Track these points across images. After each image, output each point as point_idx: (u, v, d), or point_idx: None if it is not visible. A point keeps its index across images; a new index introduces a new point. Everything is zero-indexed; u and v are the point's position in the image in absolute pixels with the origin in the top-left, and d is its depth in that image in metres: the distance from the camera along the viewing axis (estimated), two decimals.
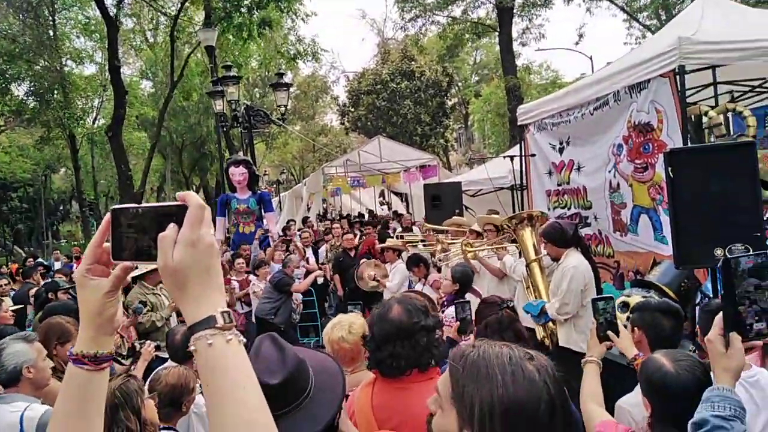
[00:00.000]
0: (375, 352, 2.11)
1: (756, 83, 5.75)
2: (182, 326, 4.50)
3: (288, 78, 20.76)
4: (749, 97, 6.18)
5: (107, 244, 0.95)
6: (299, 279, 8.35)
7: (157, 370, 2.95)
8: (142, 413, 2.37)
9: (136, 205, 0.93)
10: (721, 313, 1.37)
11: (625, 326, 2.77)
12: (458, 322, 3.59)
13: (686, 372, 1.87)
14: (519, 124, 7.69)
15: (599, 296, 2.71)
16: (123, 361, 4.16)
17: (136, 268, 0.99)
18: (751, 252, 1.38)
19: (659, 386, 1.91)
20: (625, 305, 3.97)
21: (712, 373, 1.46)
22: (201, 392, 2.89)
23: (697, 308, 4.16)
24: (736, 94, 5.97)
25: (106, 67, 18.82)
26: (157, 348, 4.08)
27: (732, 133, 5.78)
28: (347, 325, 2.68)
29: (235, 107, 11.49)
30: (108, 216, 0.94)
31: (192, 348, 0.86)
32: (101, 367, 0.96)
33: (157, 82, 26.68)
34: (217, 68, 12.91)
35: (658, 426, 1.90)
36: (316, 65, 32.82)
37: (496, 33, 21.73)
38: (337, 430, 1.82)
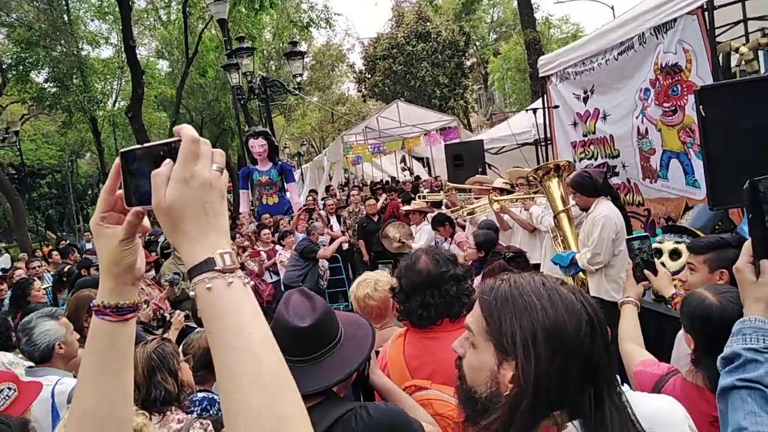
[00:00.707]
0: (405, 302, 2.09)
1: None
2: None
3: (302, 48, 20.50)
4: None
5: (120, 191, 0.90)
6: (324, 245, 8.37)
7: (190, 334, 2.98)
8: (179, 375, 2.40)
9: (140, 146, 0.88)
10: (749, 240, 1.28)
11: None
12: None
13: (731, 303, 1.81)
14: (540, 75, 7.50)
15: (634, 236, 2.63)
16: (155, 332, 4.24)
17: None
18: None
19: (703, 319, 1.86)
20: (658, 252, 3.89)
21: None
22: None
23: None
24: (766, 31, 5.70)
25: (122, 49, 18.83)
26: (187, 317, 4.13)
27: (765, 70, 5.54)
28: (373, 282, 2.67)
29: (250, 79, 11.44)
30: (117, 160, 0.89)
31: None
32: (125, 317, 0.92)
33: (173, 60, 26.68)
34: (231, 41, 12.83)
35: (704, 360, 1.85)
36: (331, 33, 32.58)
37: None
38: (368, 379, 1.83)
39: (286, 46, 13.15)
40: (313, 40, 32.57)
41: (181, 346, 2.76)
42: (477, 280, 4.09)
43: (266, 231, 8.47)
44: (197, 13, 20.89)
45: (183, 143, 0.82)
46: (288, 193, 10.85)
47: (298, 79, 12.04)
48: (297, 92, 13.60)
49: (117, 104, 27.28)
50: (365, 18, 69.05)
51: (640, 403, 1.23)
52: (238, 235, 8.33)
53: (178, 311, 4.34)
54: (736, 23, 4.92)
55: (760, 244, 1.25)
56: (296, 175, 21.20)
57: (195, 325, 4.01)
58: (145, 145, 0.88)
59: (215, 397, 2.62)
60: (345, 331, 1.74)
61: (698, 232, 4.15)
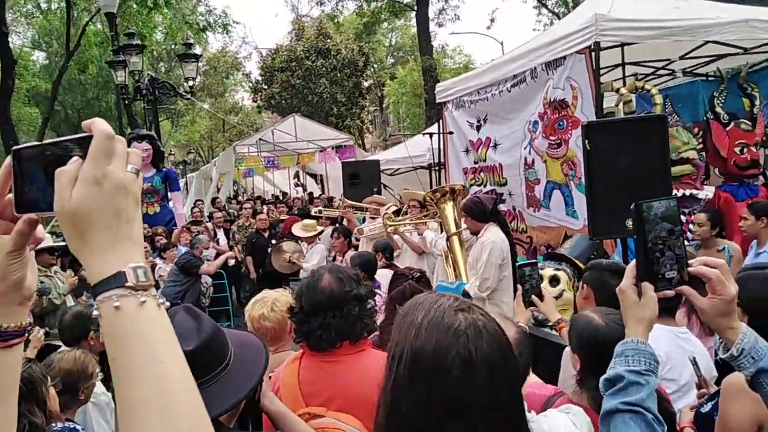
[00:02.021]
0: (304, 323, 1.97)
1: (660, 64, 6.06)
2: (77, 306, 4.11)
3: (199, 53, 19.74)
4: (651, 79, 6.52)
5: (10, 195, 0.76)
6: (209, 260, 7.96)
7: (51, 355, 2.63)
8: (47, 404, 2.09)
9: (37, 143, 0.75)
10: (633, 262, 1.32)
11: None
12: None
13: (616, 324, 1.87)
14: (437, 101, 7.70)
15: (525, 262, 2.71)
16: None
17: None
18: (661, 198, 1.31)
19: (590, 340, 1.91)
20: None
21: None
22: (100, 379, 2.62)
23: None
24: (639, 76, 6.27)
25: None
26: (47, 335, 3.68)
27: (638, 112, 6.08)
28: (270, 302, 2.52)
29: (138, 79, 10.73)
30: (8, 160, 0.75)
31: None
32: (9, 343, 0.79)
33: (51, 52, 24.58)
34: (119, 37, 12.00)
35: (589, 381, 1.90)
36: (227, 40, 31.62)
37: (413, 14, 21.78)
38: (259, 404, 1.68)
39: (179, 48, 12.52)
40: (208, 45, 31.48)
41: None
42: None
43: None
44: (82, 4, 19.42)
45: (96, 139, 0.71)
46: (171, 203, 10.24)
47: (191, 83, 11.48)
48: (189, 96, 12.98)
49: None
50: (264, 28, 68.02)
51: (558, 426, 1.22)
52: None
53: (37, 327, 3.86)
54: (616, 66, 5.35)
55: (643, 267, 1.29)
56: (181, 184, 20.21)
57: (59, 343, 3.57)
58: (44, 142, 0.75)
59: (78, 427, 2.31)
60: (235, 354, 1.58)
61: (576, 261, 4.40)
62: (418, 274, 3.24)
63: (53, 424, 2.13)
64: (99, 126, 0.72)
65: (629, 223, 3.88)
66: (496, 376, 1.01)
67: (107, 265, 0.70)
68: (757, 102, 5.63)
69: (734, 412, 1.71)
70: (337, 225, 7.06)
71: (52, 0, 22.25)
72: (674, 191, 5.41)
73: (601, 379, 1.30)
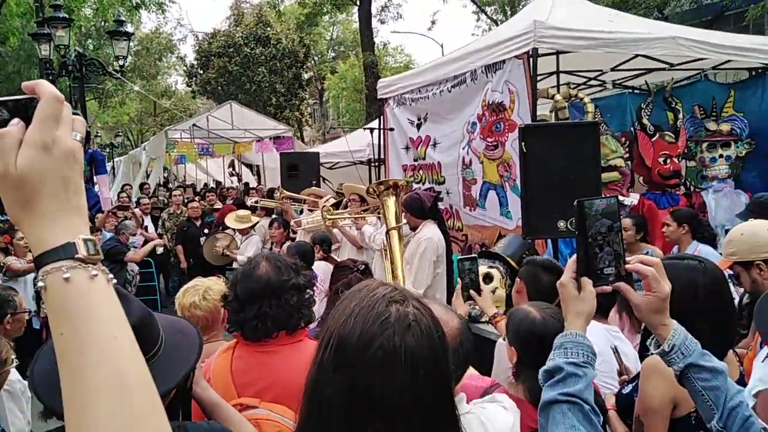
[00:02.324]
0: (239, 312, 1.92)
1: (592, 75, 6.32)
2: None
3: (131, 31, 18.86)
4: (583, 89, 6.80)
5: None
6: (135, 248, 7.64)
7: None
8: None
9: None
10: (574, 257, 1.37)
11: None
12: None
13: (552, 318, 1.94)
14: (379, 97, 7.71)
15: (465, 256, 2.75)
16: None
17: None
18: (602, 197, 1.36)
19: (527, 332, 1.97)
20: None
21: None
22: (15, 366, 2.45)
23: None
24: (572, 85, 6.52)
25: None
26: None
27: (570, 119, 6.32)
28: (203, 290, 2.43)
29: (64, 54, 10.12)
30: None
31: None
32: None
33: None
34: (44, 9, 11.27)
35: (524, 373, 1.95)
36: (162, 20, 30.38)
37: (355, 9, 21.72)
38: (191, 392, 1.62)
39: (110, 25, 11.91)
40: (141, 24, 30.14)
41: None
42: None
43: (22, 235, 7.43)
44: None
45: (43, 102, 0.67)
46: (96, 187, 9.76)
47: (121, 62, 10.94)
48: (118, 76, 12.38)
49: None
50: (201, 11, 65.57)
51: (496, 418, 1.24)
52: None
53: None
54: (551, 74, 5.53)
55: (583, 262, 1.32)
56: (108, 167, 19.25)
57: None
58: None
59: None
60: (166, 340, 1.49)
61: (509, 259, 4.53)
62: (363, 266, 3.22)
63: None
64: (47, 88, 0.68)
65: (561, 224, 4.04)
66: (420, 375, 0.96)
67: (55, 235, 0.66)
68: (681, 116, 5.99)
69: (651, 389, 1.80)
70: (275, 215, 6.93)
71: None
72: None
73: (541, 370, 1.32)
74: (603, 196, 1.36)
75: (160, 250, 8.51)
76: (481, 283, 2.88)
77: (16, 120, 0.66)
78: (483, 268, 4.36)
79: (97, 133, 36.49)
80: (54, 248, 0.66)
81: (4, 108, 0.67)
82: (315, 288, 3.75)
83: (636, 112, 6.04)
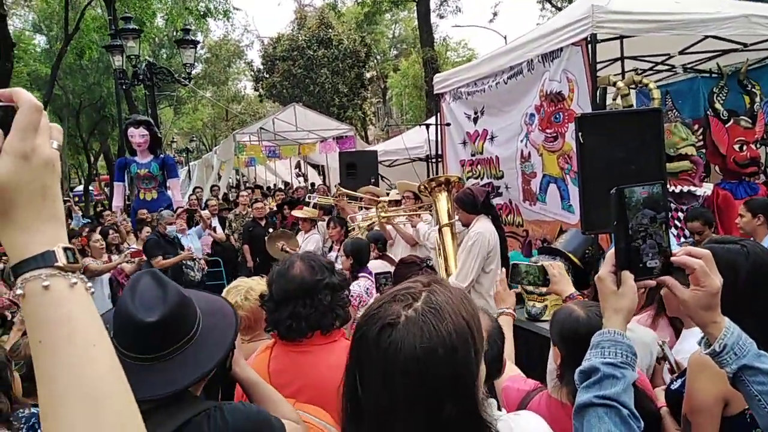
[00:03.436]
0: (274, 312, 1.93)
1: (659, 59, 5.97)
2: None
3: (198, 38, 19.64)
4: (651, 74, 6.44)
5: None
6: (175, 236, 7.64)
7: (18, 339, 2.58)
8: (12, 389, 2.05)
9: None
10: (612, 249, 1.26)
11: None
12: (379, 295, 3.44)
13: (597, 317, 1.83)
14: (435, 93, 7.63)
15: (522, 262, 2.61)
16: None
17: None
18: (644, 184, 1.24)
19: (571, 332, 1.88)
20: None
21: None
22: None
23: None
24: (639, 70, 6.19)
25: None
26: None
27: (638, 106, 6.00)
28: (244, 290, 2.46)
29: (135, 63, 10.66)
30: None
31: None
32: None
33: (51, 36, 24.46)
34: (117, 22, 11.92)
35: (569, 374, 1.85)
36: (229, 27, 31.45)
37: (415, 3, 21.64)
38: (230, 372, 1.63)
39: (179, 34, 12.46)
40: (210, 32, 31.34)
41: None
42: (353, 287, 3.96)
43: (147, 229, 7.78)
44: None
45: (23, 111, 0.67)
46: (169, 190, 10.20)
47: (190, 69, 11.40)
48: (186, 83, 12.90)
49: None
50: (266, 16, 67.88)
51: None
52: (111, 231, 7.65)
53: (20, 311, 3.82)
54: (615, 60, 5.27)
55: (623, 254, 1.22)
56: (183, 172, 20.15)
57: None
58: None
59: None
60: (204, 322, 1.51)
61: (570, 255, 4.36)
62: (431, 262, 3.15)
63: (19, 410, 2.09)
64: (25, 97, 0.68)
65: None
66: (415, 385, 0.93)
67: (33, 243, 0.67)
68: (758, 99, 5.56)
69: (699, 387, 1.66)
70: (332, 215, 6.98)
71: None
72: (672, 187, 5.36)
73: (576, 371, 1.24)
74: (646, 183, 1.24)
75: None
76: (558, 265, 2.70)
77: None
78: (545, 264, 4.24)
79: (173, 138, 38.33)
80: (33, 256, 0.66)
81: None
82: (370, 283, 3.72)
83: (708, 96, 5.66)
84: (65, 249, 0.67)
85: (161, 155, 10.18)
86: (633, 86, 5.21)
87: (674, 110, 6.30)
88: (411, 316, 0.96)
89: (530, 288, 4.06)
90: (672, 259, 1.21)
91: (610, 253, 1.26)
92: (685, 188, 5.16)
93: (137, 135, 9.27)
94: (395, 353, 0.93)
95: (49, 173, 0.68)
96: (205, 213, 9.63)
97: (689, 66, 6.12)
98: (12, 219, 0.66)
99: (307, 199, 8.93)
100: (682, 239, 4.93)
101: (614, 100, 5.16)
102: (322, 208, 8.01)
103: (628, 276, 1.21)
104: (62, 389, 0.63)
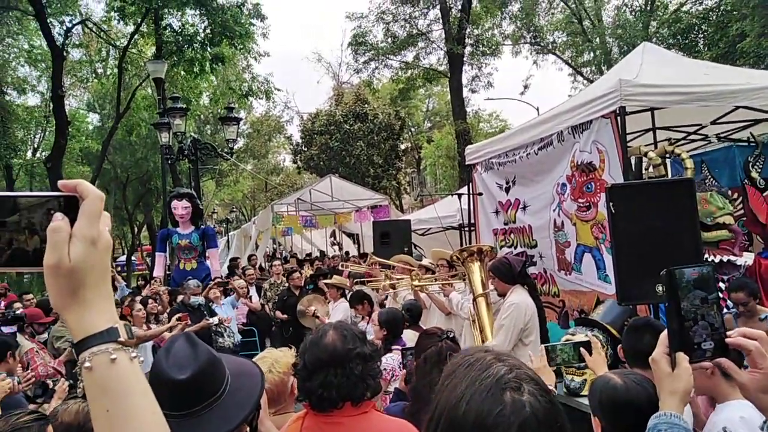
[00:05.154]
0: (306, 380, 1.95)
1: (691, 129, 6.00)
2: None
3: (241, 115, 20.65)
4: (684, 144, 6.44)
5: None
6: (200, 304, 7.66)
7: (57, 406, 2.63)
8: None
9: (18, 193, 0.78)
10: (666, 331, 1.27)
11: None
12: (405, 370, 3.42)
13: (635, 384, 1.81)
14: (467, 163, 7.77)
15: (555, 343, 2.61)
16: (38, 400, 3.78)
17: None
18: (694, 264, 1.25)
19: (609, 400, 1.85)
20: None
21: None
22: None
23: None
24: (672, 140, 6.21)
25: (50, 98, 18.22)
26: (72, 387, 3.71)
27: (669, 176, 5.98)
28: (270, 362, 2.45)
29: (181, 140, 11.23)
30: None
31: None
32: None
33: (104, 114, 26.05)
34: (166, 101, 12.68)
35: None
36: (270, 105, 32.94)
37: (447, 79, 22.38)
38: (256, 430, 1.67)
39: (223, 111, 13.20)
40: (253, 109, 32.87)
41: None
42: (385, 360, 3.92)
43: (140, 307, 7.87)
44: (134, 70, 20.70)
45: (90, 200, 0.75)
46: (208, 260, 10.44)
47: (232, 144, 11.94)
48: (228, 157, 13.46)
49: (38, 154, 26.06)
50: (306, 93, 71.29)
51: None
52: (151, 301, 7.82)
53: (63, 379, 3.92)
54: (647, 131, 5.32)
55: (677, 335, 1.22)
56: (222, 242, 20.63)
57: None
58: (28, 194, 0.77)
59: None
60: (232, 383, 1.58)
61: (609, 327, 4.25)
62: (452, 335, 3.15)
63: None
64: (90, 188, 0.77)
65: (659, 288, 3.77)
66: None
67: (99, 320, 0.75)
68: None
69: None
70: (352, 293, 6.90)
71: (107, 65, 23.79)
72: (711, 257, 5.23)
73: None
74: (696, 264, 1.26)
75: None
76: (595, 341, 2.69)
77: (60, 215, 0.74)
78: (581, 337, 4.14)
79: (214, 209, 39.49)
80: (99, 332, 0.74)
81: (56, 203, 0.75)
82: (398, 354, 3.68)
83: (743, 165, 5.61)
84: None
85: (202, 226, 10.49)
86: (666, 156, 5.23)
87: (711, 179, 6.24)
88: (534, 405, 0.95)
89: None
90: (727, 340, 1.19)
91: (664, 335, 1.26)
92: (725, 258, 5.04)
93: (180, 207, 9.61)
94: None
95: (108, 256, 0.77)
96: (240, 282, 9.78)
97: (723, 135, 6.12)
98: (81, 298, 0.74)
99: (340, 268, 9.00)
100: (725, 310, 4.77)
101: (646, 170, 5.18)
102: (355, 277, 8.05)
103: (682, 358, 1.21)
104: None
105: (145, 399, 0.74)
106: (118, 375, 0.73)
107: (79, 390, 3.85)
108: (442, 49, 22.72)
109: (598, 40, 22.56)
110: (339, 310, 6.80)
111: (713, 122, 5.74)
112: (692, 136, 6.39)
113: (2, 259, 0.75)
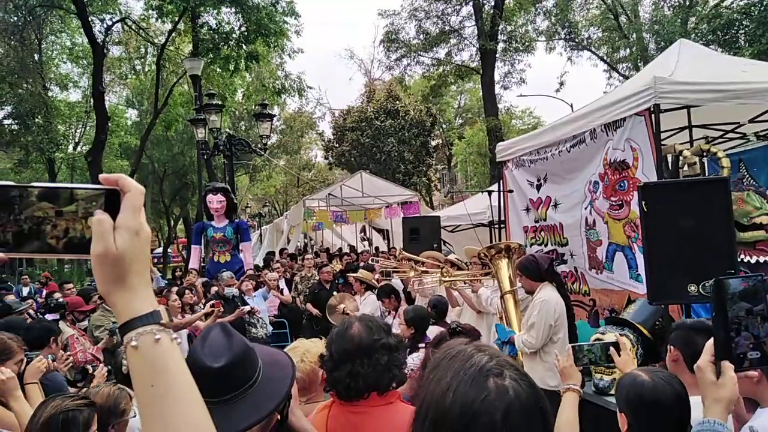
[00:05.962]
0: (333, 371, 2.01)
1: (729, 127, 5.86)
2: None
3: (275, 112, 20.95)
4: (721, 142, 6.29)
5: None
6: (234, 295, 7.87)
7: (90, 388, 2.74)
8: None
9: (73, 185, 0.83)
10: (712, 339, 1.28)
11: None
12: None
13: (662, 382, 1.80)
14: (498, 160, 7.73)
15: (584, 343, 2.60)
16: (78, 384, 3.95)
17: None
18: (743, 275, 1.26)
19: (636, 398, 1.85)
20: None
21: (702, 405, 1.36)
22: (134, 416, 2.63)
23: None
24: (709, 138, 6.07)
25: (91, 94, 18.78)
26: (110, 372, 3.86)
27: (705, 175, 5.85)
28: (302, 352, 2.52)
29: (216, 136, 11.46)
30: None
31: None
32: None
33: (142, 110, 26.71)
34: (202, 98, 12.96)
35: None
36: (303, 101, 33.27)
37: (479, 75, 22.22)
38: (286, 420, 1.72)
39: (257, 108, 13.43)
40: (286, 106, 33.22)
41: None
42: (410, 359, 3.96)
43: (176, 297, 8.08)
44: (171, 66, 21.16)
45: (133, 194, 0.82)
46: (241, 253, 10.65)
47: (265, 140, 12.14)
48: (262, 152, 13.68)
49: (79, 148, 26.88)
50: (338, 90, 71.81)
51: None
52: (187, 292, 8.03)
53: (101, 365, 4.07)
54: (682, 129, 5.22)
55: (723, 344, 1.24)
56: (255, 236, 20.96)
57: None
58: (83, 186, 0.83)
59: None
60: (264, 372, 1.64)
61: (640, 326, 4.21)
62: (459, 329, 3.19)
63: None
64: (132, 182, 0.84)
65: (692, 288, 3.72)
66: None
67: (142, 303, 0.82)
68: None
69: None
70: (378, 288, 6.96)
71: (145, 62, 24.37)
72: (747, 257, 5.11)
73: None
74: (747, 275, 1.27)
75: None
76: (624, 341, 2.68)
77: (99, 210, 0.81)
78: (611, 336, 4.11)
79: (248, 204, 40.07)
80: (144, 314, 0.81)
81: (103, 196, 0.82)
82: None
83: None
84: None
85: (236, 220, 10.71)
86: (702, 155, 5.13)
87: (748, 178, 6.08)
88: (516, 389, 0.97)
89: None
90: None
91: (709, 344, 1.28)
92: (762, 258, 4.93)
93: (215, 201, 9.84)
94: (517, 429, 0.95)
95: (148, 246, 0.84)
96: (272, 275, 9.95)
97: (761, 133, 5.95)
98: (127, 284, 0.82)
99: (370, 262, 9.07)
100: None
101: (680, 168, 5.08)
102: (383, 272, 8.11)
103: (728, 366, 1.23)
104: (173, 423, 0.78)
105: (184, 376, 0.82)
106: (162, 353, 0.80)
107: (124, 369, 3.99)
108: (474, 46, 22.57)
109: (634, 36, 22.08)
110: (368, 303, 6.87)
111: (751, 120, 5.59)
112: (730, 135, 6.24)
113: (59, 246, 0.81)
